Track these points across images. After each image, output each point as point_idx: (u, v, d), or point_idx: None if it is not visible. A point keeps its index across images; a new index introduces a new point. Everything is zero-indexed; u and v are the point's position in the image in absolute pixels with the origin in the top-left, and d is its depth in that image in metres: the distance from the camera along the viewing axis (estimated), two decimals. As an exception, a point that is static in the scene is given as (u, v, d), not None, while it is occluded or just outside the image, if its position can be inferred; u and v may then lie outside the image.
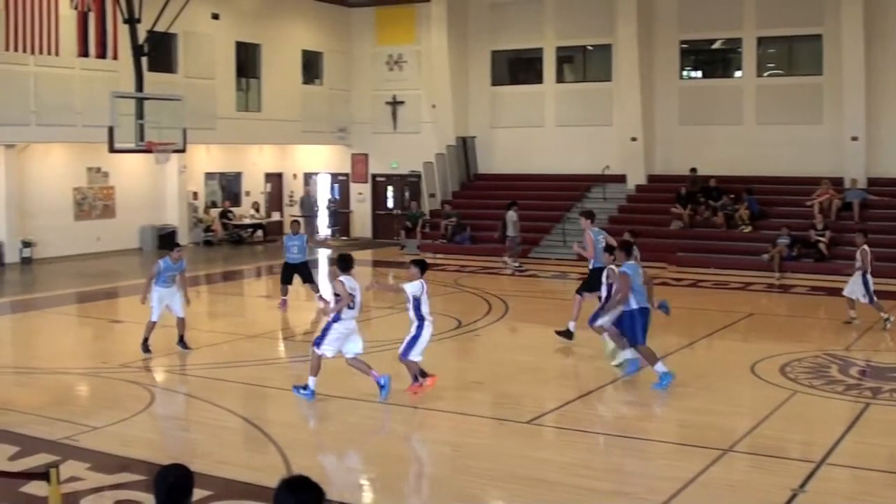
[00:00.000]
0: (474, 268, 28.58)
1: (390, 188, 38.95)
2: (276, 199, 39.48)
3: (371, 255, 33.14)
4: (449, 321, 18.18)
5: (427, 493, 10.06)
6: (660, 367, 13.93)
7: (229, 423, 12.73)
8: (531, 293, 24.72)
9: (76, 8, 25.54)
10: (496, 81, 36.86)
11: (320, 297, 16.02)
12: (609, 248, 16.43)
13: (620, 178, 33.36)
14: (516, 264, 28.28)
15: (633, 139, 33.13)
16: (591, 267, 17.54)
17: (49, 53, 25.74)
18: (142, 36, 27.15)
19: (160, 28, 26.95)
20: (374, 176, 39.03)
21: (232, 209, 36.67)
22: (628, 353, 14.68)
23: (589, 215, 18.37)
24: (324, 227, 39.50)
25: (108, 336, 18.73)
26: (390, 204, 38.86)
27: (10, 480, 9.42)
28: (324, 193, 40.14)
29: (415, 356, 13.37)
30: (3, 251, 28.90)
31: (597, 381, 14.63)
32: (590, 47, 35.73)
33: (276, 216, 38.67)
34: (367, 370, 13.37)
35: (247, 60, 35.91)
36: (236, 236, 35.83)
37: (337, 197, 39.77)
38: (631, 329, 14.15)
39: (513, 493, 10.02)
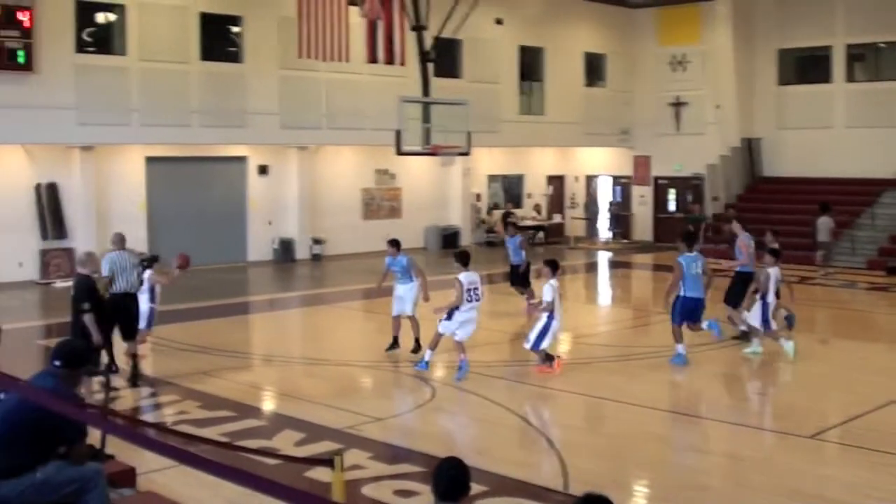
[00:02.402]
0: (758, 273, 27.63)
1: (672, 191, 38.34)
2: (557, 201, 39.61)
3: (651, 259, 32.72)
4: (731, 329, 17.67)
5: None
6: (680, 348, 15.54)
7: (507, 420, 12.82)
8: (819, 302, 23.73)
9: (366, 16, 26.39)
10: (783, 81, 35.77)
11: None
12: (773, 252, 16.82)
13: (915, 183, 31.68)
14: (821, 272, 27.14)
15: (930, 141, 31.39)
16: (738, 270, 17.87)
17: (340, 60, 26.72)
18: (428, 42, 27.83)
19: (446, 34, 27.52)
20: (655, 178, 38.54)
21: (514, 211, 37.06)
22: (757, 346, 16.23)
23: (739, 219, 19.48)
24: (605, 229, 39.34)
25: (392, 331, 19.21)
26: (672, 207, 38.25)
27: (296, 465, 9.83)
28: (605, 196, 39.96)
29: (545, 345, 14.85)
30: (295, 248, 30.35)
31: (884, 396, 13.81)
32: (882, 44, 34.07)
33: (557, 218, 38.81)
34: (460, 351, 14.86)
35: (530, 64, 36.25)
36: (517, 238, 36.12)
37: (618, 199, 39.51)
38: (674, 309, 15.70)
39: (794, 510, 9.62)
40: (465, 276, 14.74)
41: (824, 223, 27.36)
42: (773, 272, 16.21)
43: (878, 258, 28.64)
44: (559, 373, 14.80)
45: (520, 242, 21.21)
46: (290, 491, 4.99)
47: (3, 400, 7.32)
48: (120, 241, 14.65)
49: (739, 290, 17.31)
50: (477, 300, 14.90)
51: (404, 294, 16.43)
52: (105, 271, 14.21)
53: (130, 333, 14.35)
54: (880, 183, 32.02)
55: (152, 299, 15.94)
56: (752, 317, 16.21)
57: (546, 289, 14.76)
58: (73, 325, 12.71)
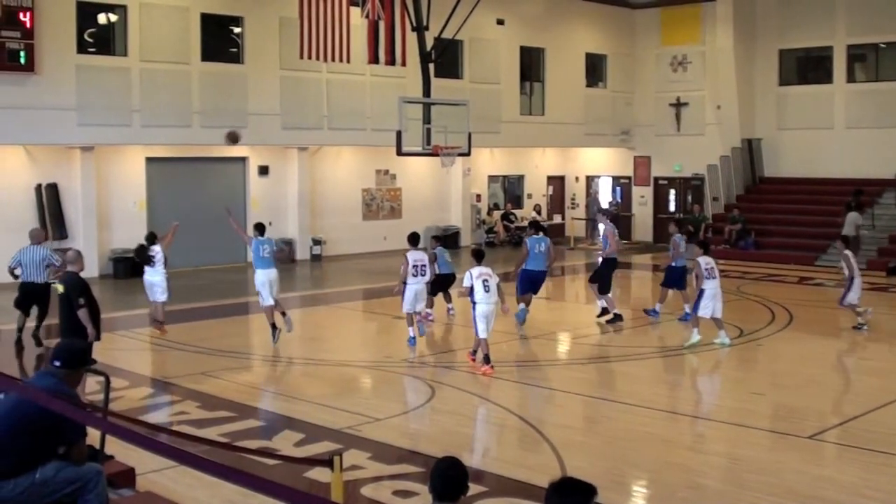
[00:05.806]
0: (758, 275, 27.60)
1: (672, 191, 38.36)
2: (557, 201, 39.64)
3: (651, 260, 32.72)
4: (730, 329, 17.72)
5: None
6: (521, 307, 18.60)
7: (506, 421, 12.85)
8: (816, 302, 23.75)
9: (367, 17, 26.39)
10: (783, 81, 35.72)
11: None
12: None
13: (914, 183, 31.66)
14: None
15: (929, 142, 31.40)
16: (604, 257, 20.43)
17: (341, 61, 26.72)
18: (429, 43, 27.84)
19: (447, 35, 27.52)
20: (656, 179, 38.56)
21: (514, 211, 37.11)
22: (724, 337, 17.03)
23: (606, 212, 22.34)
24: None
25: (392, 331, 19.22)
26: (672, 207, 38.25)
27: (296, 465, 9.86)
28: (605, 196, 39.96)
29: (480, 333, 15.00)
30: (295, 248, 30.36)
31: (883, 396, 13.85)
32: (882, 45, 34.06)
33: (557, 219, 38.83)
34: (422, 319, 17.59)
35: (531, 65, 36.29)
36: (517, 238, 36.18)
37: (618, 200, 39.50)
38: (518, 279, 19.02)
39: (791, 510, 9.62)
40: (411, 255, 17.30)
41: (852, 218, 27.64)
42: (702, 261, 17.31)
43: (879, 259, 28.63)
44: (480, 371, 15.00)
45: (428, 255, 20.78)
46: (290, 491, 5.01)
47: (1, 400, 7.34)
48: (36, 236, 17.13)
49: (604, 273, 19.90)
50: (423, 275, 17.23)
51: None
52: (13, 262, 16.73)
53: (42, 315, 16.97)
54: (881, 183, 31.98)
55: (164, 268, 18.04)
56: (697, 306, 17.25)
57: (465, 275, 15.39)
58: (66, 323, 12.25)
